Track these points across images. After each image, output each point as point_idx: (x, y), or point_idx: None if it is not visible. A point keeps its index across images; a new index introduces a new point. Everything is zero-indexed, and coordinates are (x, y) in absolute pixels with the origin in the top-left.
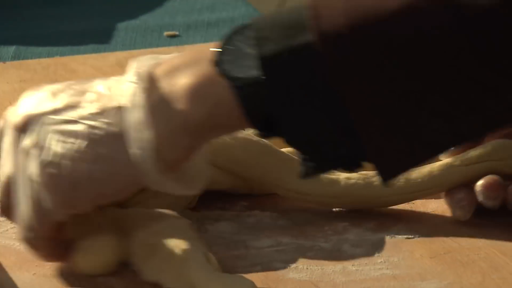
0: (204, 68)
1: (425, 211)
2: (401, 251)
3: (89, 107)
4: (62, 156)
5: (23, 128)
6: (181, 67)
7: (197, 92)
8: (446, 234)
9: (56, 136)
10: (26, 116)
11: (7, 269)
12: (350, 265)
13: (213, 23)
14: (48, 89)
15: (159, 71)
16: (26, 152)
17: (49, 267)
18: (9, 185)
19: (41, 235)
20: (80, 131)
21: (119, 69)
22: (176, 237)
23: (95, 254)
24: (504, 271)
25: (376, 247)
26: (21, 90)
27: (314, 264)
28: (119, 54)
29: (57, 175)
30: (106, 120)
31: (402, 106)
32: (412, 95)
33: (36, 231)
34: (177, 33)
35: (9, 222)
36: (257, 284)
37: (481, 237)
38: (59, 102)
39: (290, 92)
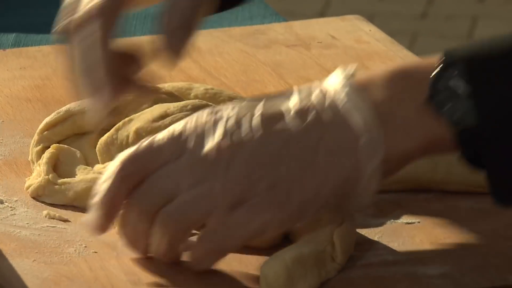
0: (419, 100)
1: (426, 196)
2: (401, 237)
3: (297, 116)
4: (291, 175)
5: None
6: (393, 96)
7: (415, 127)
8: (446, 219)
9: (280, 151)
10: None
11: (7, 256)
12: None
13: None
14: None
15: (374, 93)
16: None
17: (49, 254)
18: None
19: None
20: (307, 145)
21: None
22: None
23: None
24: (505, 256)
25: (377, 233)
26: (21, 77)
27: None
28: (119, 42)
29: (285, 195)
30: (330, 134)
31: None
32: None
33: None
34: None
35: (9, 209)
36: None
37: (482, 222)
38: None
39: (505, 134)
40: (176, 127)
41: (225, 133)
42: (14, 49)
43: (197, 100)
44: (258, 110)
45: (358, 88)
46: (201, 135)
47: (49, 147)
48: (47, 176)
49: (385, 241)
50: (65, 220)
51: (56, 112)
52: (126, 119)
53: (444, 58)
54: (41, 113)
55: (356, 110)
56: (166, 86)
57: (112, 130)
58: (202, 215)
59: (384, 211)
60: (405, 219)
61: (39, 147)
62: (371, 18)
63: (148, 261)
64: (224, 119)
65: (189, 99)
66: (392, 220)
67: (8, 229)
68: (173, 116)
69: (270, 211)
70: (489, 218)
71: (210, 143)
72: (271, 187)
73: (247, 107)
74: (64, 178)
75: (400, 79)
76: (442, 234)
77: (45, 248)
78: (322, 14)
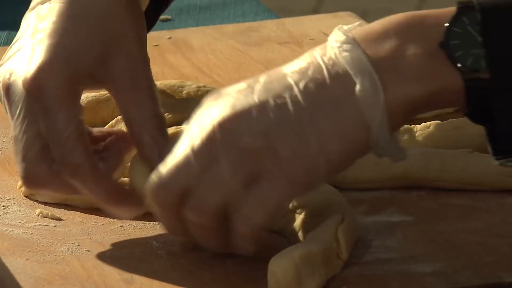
0: (430, 46)
1: (419, 193)
2: (394, 234)
3: (304, 79)
4: (293, 140)
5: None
6: (399, 43)
7: (424, 71)
8: (440, 217)
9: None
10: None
11: (0, 254)
12: None
13: (205, 6)
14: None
15: (368, 39)
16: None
17: (42, 253)
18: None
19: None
20: (314, 105)
21: None
22: None
23: None
24: (499, 254)
25: (370, 231)
26: None
27: None
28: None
29: (294, 164)
30: (328, 88)
31: None
32: None
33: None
34: (169, 17)
35: (2, 207)
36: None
37: (475, 220)
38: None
39: None
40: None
41: (224, 110)
42: (6, 47)
43: (190, 99)
44: (260, 79)
45: (354, 40)
46: (200, 124)
47: None
48: None
49: (378, 239)
50: (58, 219)
51: None
52: (119, 117)
53: (461, 5)
54: None
55: (349, 62)
56: (158, 84)
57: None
58: (220, 201)
59: (377, 209)
60: (398, 217)
61: None
62: (364, 14)
63: (141, 259)
64: (224, 98)
65: (181, 97)
66: (386, 218)
67: (1, 228)
68: (165, 114)
69: (282, 183)
70: (483, 215)
71: (208, 126)
72: (277, 157)
73: (248, 83)
74: None
75: (408, 24)
76: (435, 232)
77: (38, 247)
78: (315, 10)
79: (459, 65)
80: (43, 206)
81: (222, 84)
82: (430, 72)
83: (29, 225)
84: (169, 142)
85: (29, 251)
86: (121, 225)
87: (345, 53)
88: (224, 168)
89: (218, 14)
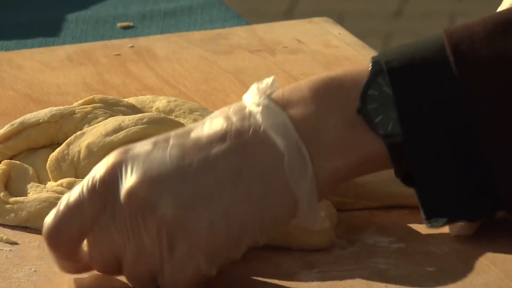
0: (350, 113)
1: (400, 212)
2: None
3: (223, 145)
4: (212, 208)
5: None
6: (319, 110)
7: (347, 143)
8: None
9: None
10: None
11: None
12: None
13: (170, 13)
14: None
15: (297, 109)
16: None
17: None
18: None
19: None
20: (232, 174)
21: (69, 63)
22: None
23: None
24: (486, 275)
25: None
26: None
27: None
28: (69, 48)
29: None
30: (253, 157)
31: None
32: None
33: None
34: (131, 24)
35: None
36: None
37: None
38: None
39: (431, 148)
40: (89, 175)
41: (143, 173)
42: None
43: (155, 113)
44: (172, 140)
45: (277, 105)
46: (115, 181)
47: (0, 162)
48: None
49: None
50: (13, 243)
51: (9, 124)
52: (78, 132)
53: (373, 64)
54: None
55: (275, 129)
56: (131, 99)
57: (63, 145)
58: (151, 268)
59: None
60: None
61: None
62: (341, 17)
63: (102, 286)
64: (136, 159)
65: (151, 111)
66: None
67: None
68: (127, 129)
69: (200, 252)
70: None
71: (125, 188)
72: (193, 229)
73: (159, 142)
74: (15, 196)
75: (326, 90)
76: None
77: None
78: (288, 12)
79: (381, 132)
80: None
81: (189, 96)
82: (353, 142)
83: None
84: None
85: None
86: None
87: (268, 122)
88: (147, 239)
89: (184, 21)
